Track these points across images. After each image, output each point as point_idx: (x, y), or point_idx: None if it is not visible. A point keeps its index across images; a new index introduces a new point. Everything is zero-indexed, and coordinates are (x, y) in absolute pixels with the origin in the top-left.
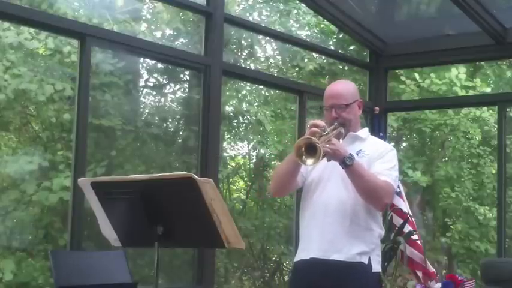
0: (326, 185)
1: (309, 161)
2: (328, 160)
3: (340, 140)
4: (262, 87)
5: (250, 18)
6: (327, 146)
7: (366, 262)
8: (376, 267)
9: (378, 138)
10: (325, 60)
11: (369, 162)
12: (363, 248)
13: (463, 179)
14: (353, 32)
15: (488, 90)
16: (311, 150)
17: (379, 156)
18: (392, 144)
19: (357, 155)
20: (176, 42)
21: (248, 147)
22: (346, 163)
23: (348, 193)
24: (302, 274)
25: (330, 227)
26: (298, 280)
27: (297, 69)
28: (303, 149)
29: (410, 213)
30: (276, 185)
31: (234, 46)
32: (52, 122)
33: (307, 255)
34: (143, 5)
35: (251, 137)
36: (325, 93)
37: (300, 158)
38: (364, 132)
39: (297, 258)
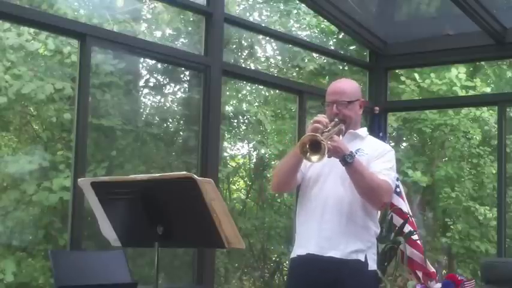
0: (325, 182)
1: (314, 158)
2: (329, 156)
3: (340, 137)
4: (262, 87)
5: (251, 19)
6: (329, 142)
7: (363, 260)
8: (373, 265)
9: (377, 138)
10: (325, 61)
11: (368, 161)
12: (359, 245)
13: (463, 179)
14: (353, 32)
15: (488, 90)
16: (315, 146)
17: (379, 156)
18: (392, 144)
19: (356, 153)
20: (176, 42)
21: (248, 147)
22: (347, 160)
23: (345, 191)
24: (300, 270)
25: (327, 224)
26: (297, 276)
27: (297, 69)
28: (307, 145)
29: (410, 213)
30: (278, 180)
31: (234, 46)
32: (52, 122)
33: (304, 251)
34: (143, 5)
35: (251, 137)
36: (328, 89)
37: (305, 155)
38: (363, 131)
39: (293, 254)
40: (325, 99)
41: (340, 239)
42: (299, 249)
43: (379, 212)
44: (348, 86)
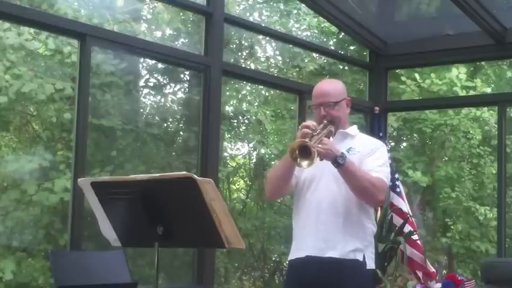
0: (318, 184)
1: (304, 163)
2: (321, 159)
3: (331, 138)
4: (262, 87)
5: (251, 19)
6: (319, 146)
7: (361, 259)
8: (371, 264)
9: (374, 137)
10: (325, 61)
11: (360, 159)
12: (357, 244)
13: (463, 179)
14: (353, 32)
15: (488, 90)
16: (305, 152)
17: (370, 153)
18: (392, 144)
19: (348, 152)
20: (176, 42)
21: (248, 147)
22: (339, 162)
23: (340, 189)
24: (297, 272)
25: (323, 224)
26: (294, 278)
27: (297, 69)
28: (297, 152)
29: (410, 213)
30: (272, 188)
31: (234, 46)
32: (52, 121)
33: (302, 253)
34: (143, 5)
35: (251, 137)
36: (313, 92)
37: (295, 161)
38: (353, 129)
39: (291, 257)
40: (312, 102)
41: (337, 238)
42: (297, 252)
43: (375, 211)
44: (332, 86)
